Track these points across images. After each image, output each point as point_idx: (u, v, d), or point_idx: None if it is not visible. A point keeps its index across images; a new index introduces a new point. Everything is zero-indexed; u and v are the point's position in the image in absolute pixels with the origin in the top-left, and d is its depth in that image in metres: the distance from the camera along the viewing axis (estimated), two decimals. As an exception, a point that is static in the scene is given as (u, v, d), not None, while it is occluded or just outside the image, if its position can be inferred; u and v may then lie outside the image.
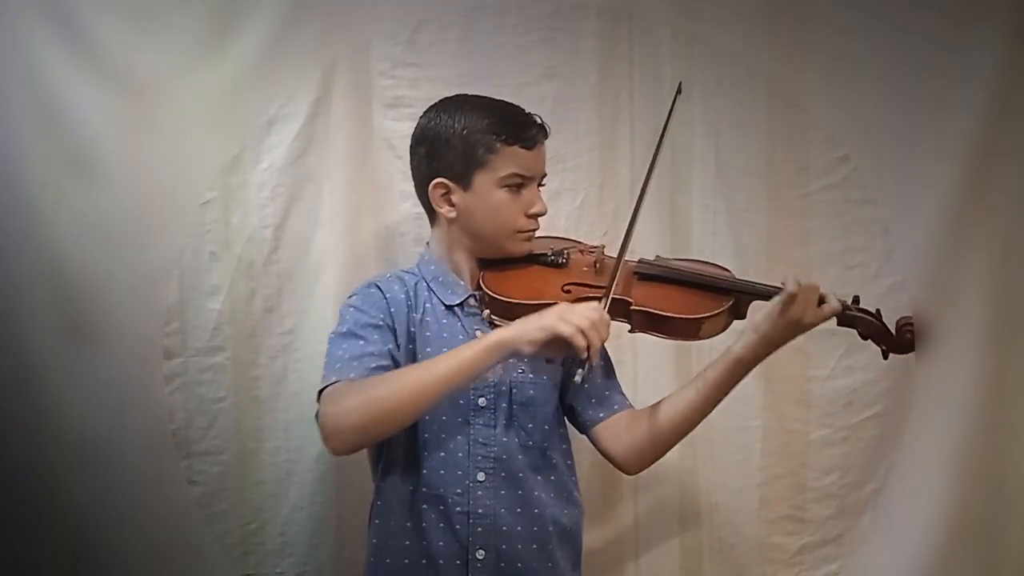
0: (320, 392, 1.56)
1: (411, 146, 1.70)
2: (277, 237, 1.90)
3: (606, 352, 1.74)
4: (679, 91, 1.73)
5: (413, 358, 1.64)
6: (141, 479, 1.84)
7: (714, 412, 1.96)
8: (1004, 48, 1.90)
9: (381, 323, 1.63)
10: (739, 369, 1.60)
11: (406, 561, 1.63)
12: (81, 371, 1.82)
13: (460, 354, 1.52)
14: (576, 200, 1.97)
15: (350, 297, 1.69)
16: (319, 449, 1.66)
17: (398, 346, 1.63)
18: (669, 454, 1.97)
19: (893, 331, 1.65)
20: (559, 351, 1.52)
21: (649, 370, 1.98)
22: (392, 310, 1.65)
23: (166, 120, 1.82)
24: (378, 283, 1.69)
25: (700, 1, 1.95)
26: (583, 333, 1.46)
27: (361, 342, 1.60)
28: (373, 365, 1.57)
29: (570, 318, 1.47)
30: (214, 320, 1.87)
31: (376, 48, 1.92)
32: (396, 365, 1.60)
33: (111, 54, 1.80)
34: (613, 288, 1.59)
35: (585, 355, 1.47)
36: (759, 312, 1.59)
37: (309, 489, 1.92)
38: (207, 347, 1.88)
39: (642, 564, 2.02)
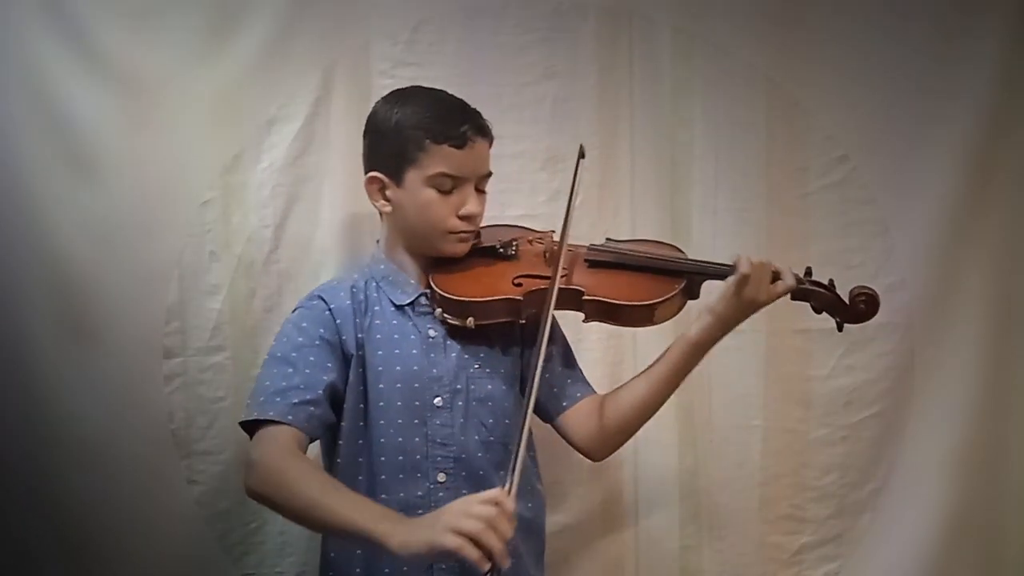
0: (244, 423, 1.52)
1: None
2: (277, 237, 1.89)
3: (564, 338, 1.74)
4: (581, 155, 1.68)
5: (363, 364, 1.59)
6: (141, 479, 1.84)
7: (714, 412, 1.98)
8: (1002, 51, 1.91)
9: (320, 341, 1.57)
10: (697, 352, 1.59)
11: (370, 570, 1.57)
12: (81, 371, 1.82)
13: (358, 513, 1.36)
14: (576, 200, 1.96)
15: (294, 310, 1.65)
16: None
17: (346, 357, 1.58)
18: (669, 454, 1.99)
19: (847, 301, 1.61)
20: (453, 561, 1.35)
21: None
22: (338, 322, 1.59)
23: (166, 120, 1.82)
24: (322, 294, 1.63)
25: (700, 1, 1.95)
26: (477, 541, 1.24)
27: (290, 370, 1.53)
28: (296, 400, 1.50)
29: (459, 524, 1.25)
30: (214, 320, 1.87)
31: (376, 48, 1.91)
32: (332, 394, 1.55)
33: (111, 54, 1.80)
34: (559, 280, 1.54)
35: (487, 567, 1.24)
36: (713, 293, 1.58)
37: (309, 489, 1.91)
38: (207, 347, 1.87)
39: (642, 564, 2.02)
